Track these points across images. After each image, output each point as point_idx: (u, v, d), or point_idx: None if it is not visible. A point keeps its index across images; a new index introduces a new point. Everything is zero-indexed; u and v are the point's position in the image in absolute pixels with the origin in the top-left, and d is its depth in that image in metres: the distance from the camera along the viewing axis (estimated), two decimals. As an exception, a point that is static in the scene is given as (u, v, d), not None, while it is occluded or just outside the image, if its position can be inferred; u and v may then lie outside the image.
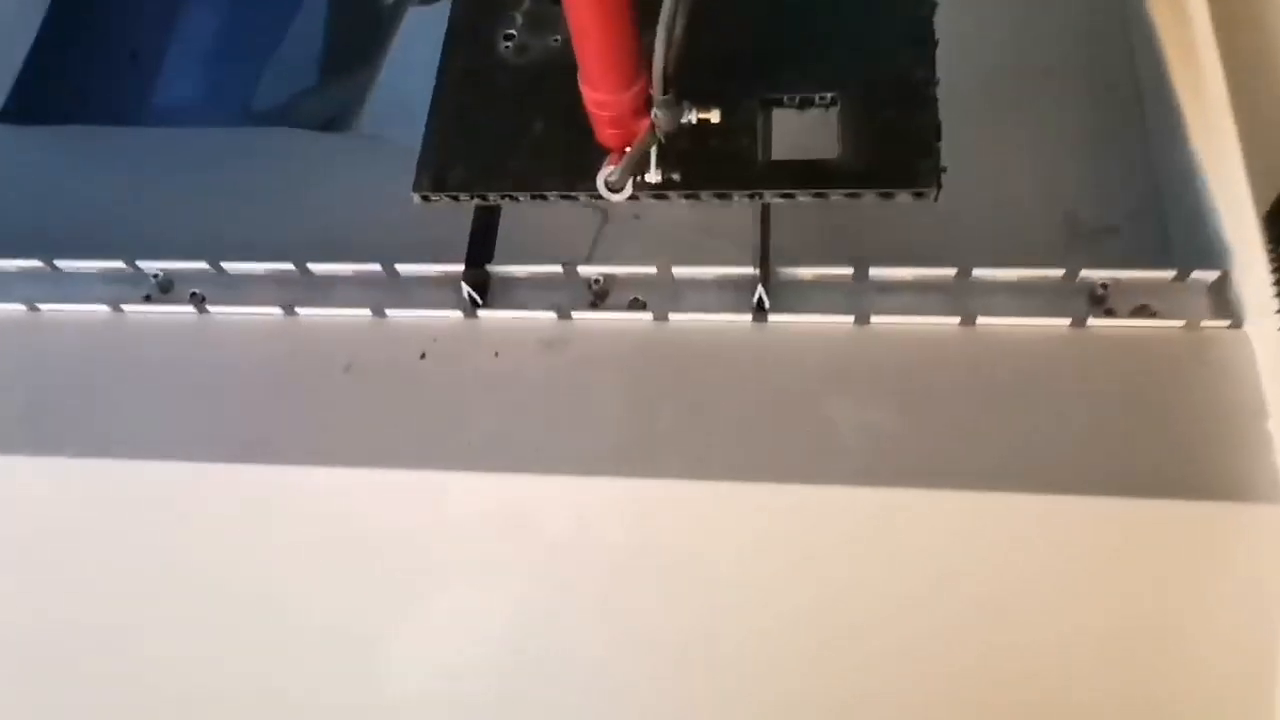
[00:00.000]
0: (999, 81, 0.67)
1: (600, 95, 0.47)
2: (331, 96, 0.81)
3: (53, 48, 0.83)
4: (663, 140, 0.49)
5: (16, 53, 0.82)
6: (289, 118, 0.80)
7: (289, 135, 0.77)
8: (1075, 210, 0.63)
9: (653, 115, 0.48)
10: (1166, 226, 0.61)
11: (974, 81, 0.58)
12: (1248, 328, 0.53)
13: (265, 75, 0.82)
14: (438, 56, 0.57)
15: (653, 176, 0.50)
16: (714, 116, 0.49)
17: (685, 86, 0.47)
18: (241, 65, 0.83)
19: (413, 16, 0.81)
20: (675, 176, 0.51)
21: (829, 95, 0.51)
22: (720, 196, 0.51)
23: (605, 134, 0.49)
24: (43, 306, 0.63)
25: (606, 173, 0.50)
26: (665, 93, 0.46)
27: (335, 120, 0.79)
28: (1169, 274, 0.54)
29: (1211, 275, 0.54)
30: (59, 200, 0.74)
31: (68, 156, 0.78)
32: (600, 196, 0.51)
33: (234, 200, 0.71)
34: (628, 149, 0.49)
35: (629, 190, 0.50)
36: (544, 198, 0.53)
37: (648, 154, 0.50)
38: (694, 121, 0.49)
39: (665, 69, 0.45)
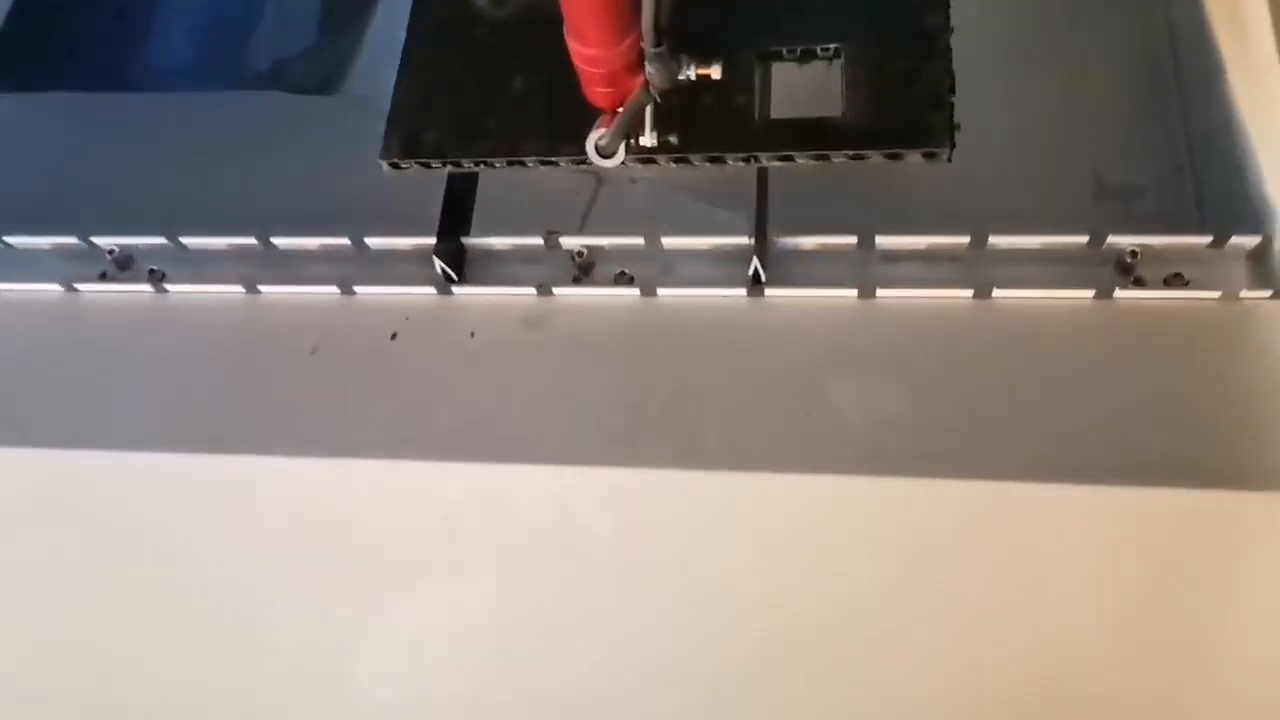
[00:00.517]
0: (1016, 29, 0.65)
1: (590, 50, 0.45)
2: (322, 57, 0.79)
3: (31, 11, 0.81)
4: (657, 99, 0.47)
5: None
6: (278, 80, 0.78)
7: (267, 99, 0.75)
8: (1100, 170, 0.61)
9: (646, 71, 0.45)
10: (1200, 187, 0.59)
11: (989, 29, 0.57)
12: (1291, 298, 0.51)
13: (254, 36, 0.81)
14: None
15: (648, 140, 0.48)
16: (715, 72, 0.48)
17: (677, 38, 0.45)
18: (230, 26, 0.82)
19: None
20: (672, 139, 0.49)
21: (832, 46, 0.49)
22: (713, 160, 0.49)
23: (595, 93, 0.47)
24: (-9, 286, 0.62)
25: (597, 136, 0.48)
26: (658, 45, 0.44)
27: (326, 82, 0.77)
28: (1204, 239, 0.52)
29: (1252, 241, 0.52)
30: (9, 172, 0.72)
31: (20, 125, 0.77)
32: (583, 161, 0.49)
33: (205, 170, 0.70)
34: (619, 110, 0.47)
35: (621, 155, 0.48)
36: (523, 164, 0.51)
37: (642, 115, 0.48)
38: (693, 78, 0.47)
39: (656, 18, 0.43)
